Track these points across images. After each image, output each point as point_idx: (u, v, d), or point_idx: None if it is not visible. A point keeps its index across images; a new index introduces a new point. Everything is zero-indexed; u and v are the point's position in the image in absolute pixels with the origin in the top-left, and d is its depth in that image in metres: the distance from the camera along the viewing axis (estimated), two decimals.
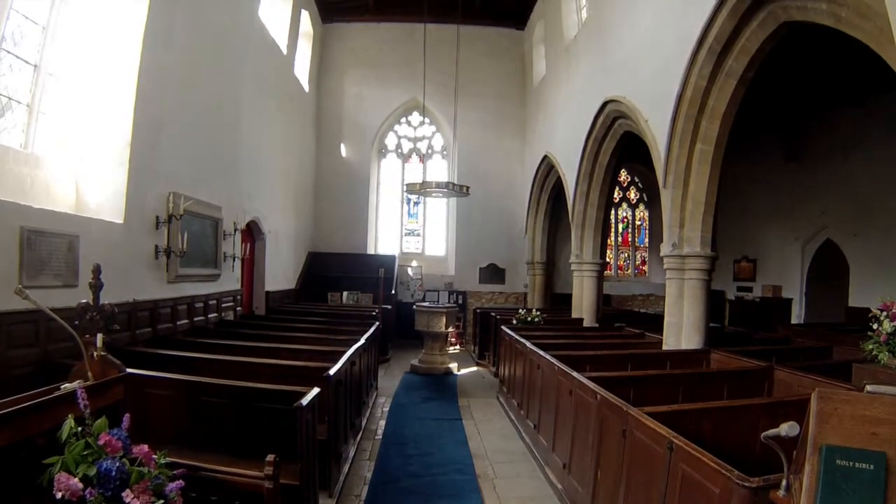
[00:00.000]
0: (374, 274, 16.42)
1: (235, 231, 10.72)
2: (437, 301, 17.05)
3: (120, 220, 6.88)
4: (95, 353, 4.08)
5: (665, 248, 8.56)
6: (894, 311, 4.51)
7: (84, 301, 4.27)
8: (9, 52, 5.80)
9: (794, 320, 15.40)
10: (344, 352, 6.88)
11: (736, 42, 7.23)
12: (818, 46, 8.10)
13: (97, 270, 4.39)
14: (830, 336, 10.57)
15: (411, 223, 20.11)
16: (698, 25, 7.44)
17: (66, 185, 6.68)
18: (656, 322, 9.82)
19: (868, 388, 3.15)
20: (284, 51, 14.16)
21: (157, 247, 7.77)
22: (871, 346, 4.61)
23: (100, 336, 4.15)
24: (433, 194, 15.77)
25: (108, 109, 6.99)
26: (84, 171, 6.86)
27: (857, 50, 5.65)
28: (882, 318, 4.53)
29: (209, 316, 9.55)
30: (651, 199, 20.33)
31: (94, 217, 6.59)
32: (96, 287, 4.38)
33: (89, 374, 3.97)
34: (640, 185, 20.79)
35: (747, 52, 7.20)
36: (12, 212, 5.15)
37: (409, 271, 18.52)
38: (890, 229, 12.53)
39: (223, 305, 10.12)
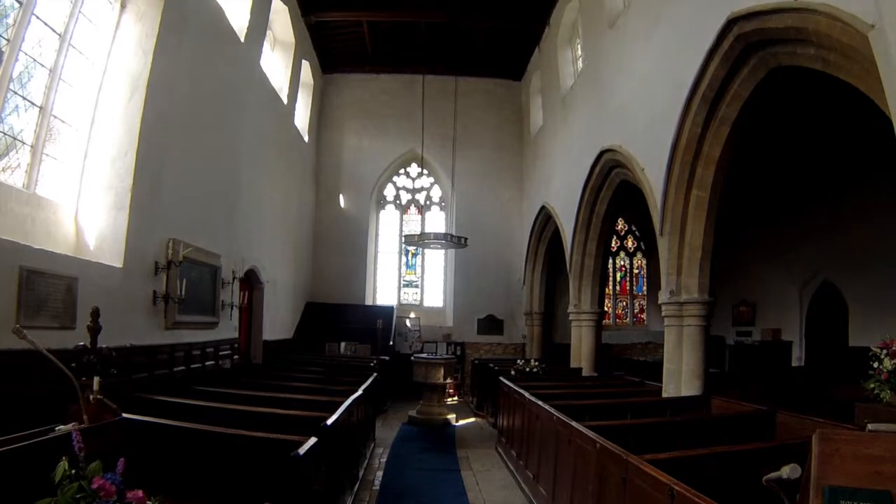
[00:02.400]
0: (372, 325, 16.39)
1: (234, 279, 10.72)
2: (436, 352, 16.99)
3: (119, 265, 6.88)
4: (91, 396, 4.06)
5: (663, 296, 8.58)
6: (894, 348, 4.52)
7: (81, 343, 4.27)
8: (16, 92, 5.90)
9: (794, 363, 15.28)
10: (342, 402, 6.80)
11: (728, 89, 7.40)
12: (809, 92, 8.25)
13: (96, 313, 4.39)
14: (831, 376, 10.49)
15: (409, 274, 20.10)
16: (691, 73, 7.62)
17: (66, 228, 6.71)
18: (656, 370, 9.78)
19: (869, 426, 3.14)
20: (285, 100, 14.38)
21: (155, 292, 7.74)
22: (872, 385, 4.59)
23: (96, 379, 4.14)
24: (431, 246, 15.86)
25: (111, 154, 7.08)
26: (85, 214, 6.91)
27: (847, 93, 5.78)
28: (882, 357, 4.53)
29: (206, 363, 9.47)
30: (649, 247, 20.34)
31: (93, 260, 6.60)
32: (94, 330, 4.38)
33: (85, 416, 3.94)
34: (637, 233, 20.86)
35: (740, 98, 7.36)
36: (12, 251, 5.16)
37: (408, 322, 18.44)
38: (886, 269, 12.53)
39: (221, 353, 10.05)
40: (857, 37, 4.59)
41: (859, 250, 13.39)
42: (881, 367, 4.53)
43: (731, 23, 6.76)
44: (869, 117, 5.97)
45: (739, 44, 6.85)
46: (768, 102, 7.62)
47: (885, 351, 4.56)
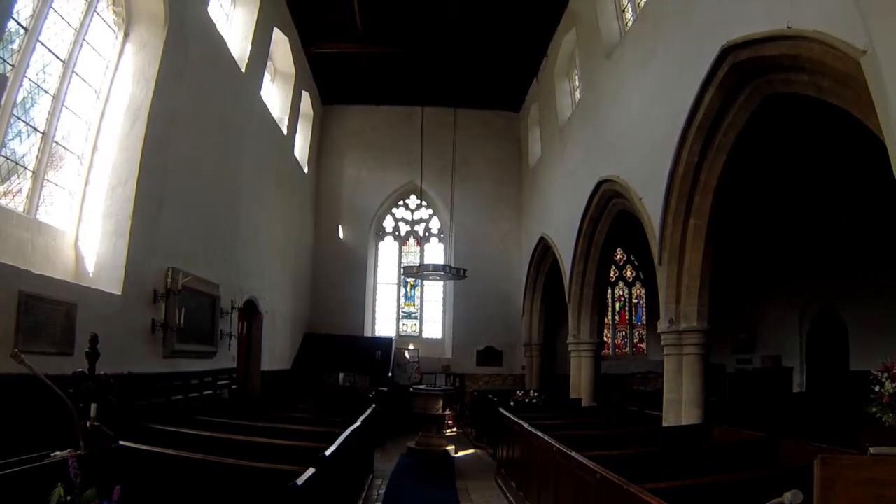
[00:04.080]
0: (370, 356, 16.34)
1: (233, 309, 10.68)
2: (435, 384, 16.84)
3: (118, 292, 6.86)
4: (88, 423, 4.02)
5: (662, 325, 8.57)
6: (895, 371, 4.50)
7: (79, 370, 4.24)
8: (19, 117, 5.95)
9: (795, 389, 15.18)
10: (340, 433, 6.74)
11: (725, 117, 7.48)
12: (805, 118, 8.30)
13: (94, 340, 4.37)
14: (833, 402, 10.43)
15: (408, 306, 20.09)
16: (688, 103, 7.70)
17: (66, 254, 6.72)
18: (656, 399, 9.72)
19: (871, 450, 3.12)
20: (285, 131, 14.48)
21: (153, 321, 7.71)
22: (874, 409, 4.57)
23: (93, 406, 4.11)
24: (430, 277, 15.86)
25: (112, 181, 7.11)
26: (85, 240, 6.92)
27: (842, 119, 5.83)
28: (883, 380, 4.51)
29: (204, 393, 9.39)
30: (647, 276, 20.35)
31: (92, 287, 6.58)
32: (93, 357, 4.35)
33: (81, 443, 3.91)
34: (635, 262, 20.92)
35: (736, 126, 7.44)
36: (12, 275, 5.15)
37: (406, 354, 18.35)
38: (886, 292, 12.48)
39: (219, 383, 9.98)
40: (849, 63, 4.65)
41: (858, 274, 13.35)
42: (882, 390, 4.51)
43: (726, 52, 6.86)
44: (864, 142, 6.02)
45: (734, 73, 6.95)
46: (764, 129, 7.71)
47: (885, 374, 4.55)
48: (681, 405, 8.17)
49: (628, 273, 21.08)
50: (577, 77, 14.39)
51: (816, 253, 14.43)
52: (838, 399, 10.74)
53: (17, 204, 6.07)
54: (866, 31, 4.28)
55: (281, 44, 13.96)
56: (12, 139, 5.89)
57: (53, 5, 6.19)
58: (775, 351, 16.09)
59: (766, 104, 7.07)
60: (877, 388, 4.57)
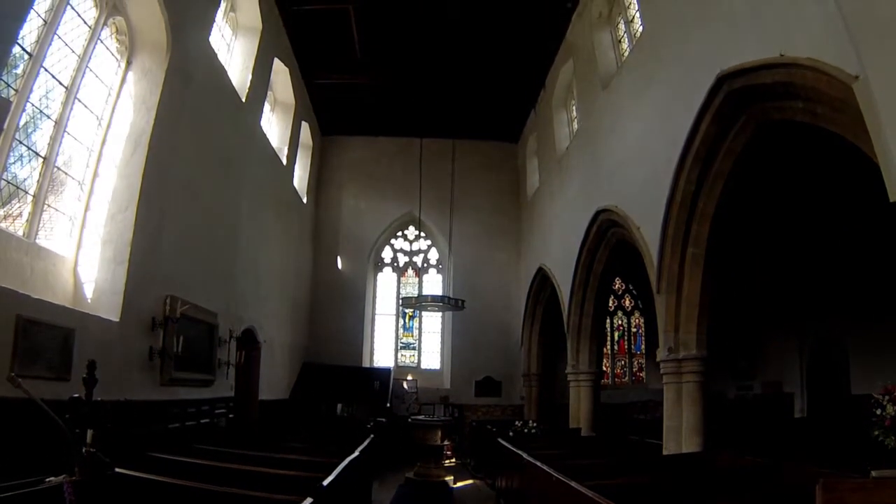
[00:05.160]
0: (369, 387, 16.27)
1: (231, 338, 10.65)
2: (433, 414, 16.75)
3: (116, 318, 6.83)
4: (84, 449, 3.99)
5: (661, 353, 8.54)
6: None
7: (76, 395, 4.21)
8: (21, 142, 5.97)
9: (797, 414, 15.04)
10: (338, 463, 6.69)
11: (721, 145, 7.53)
12: (801, 143, 8.33)
13: (92, 366, 4.35)
14: (835, 426, 10.36)
15: (407, 337, 20.02)
16: (684, 131, 7.74)
17: (65, 279, 6.70)
18: (656, 428, 9.65)
19: (873, 473, 3.10)
20: (284, 161, 14.57)
21: (151, 348, 7.67)
22: (876, 432, 4.53)
23: (90, 432, 4.08)
24: (429, 308, 15.85)
25: (112, 208, 7.13)
26: (84, 266, 6.92)
27: (839, 144, 5.86)
28: (885, 403, 4.49)
29: (201, 421, 9.31)
30: (646, 305, 20.24)
31: (90, 313, 6.55)
32: (90, 382, 4.33)
33: (77, 469, 3.87)
34: (634, 291, 20.83)
35: (732, 153, 7.49)
36: (10, 299, 5.13)
37: (405, 385, 18.25)
38: (886, 315, 12.41)
39: (216, 411, 9.90)
40: (842, 88, 4.70)
41: (857, 298, 13.30)
42: (884, 413, 4.48)
43: (721, 80, 6.93)
44: (860, 166, 6.04)
45: (730, 101, 7.01)
46: (761, 156, 7.75)
47: (886, 397, 4.52)
48: (681, 433, 8.11)
49: (627, 302, 21.02)
50: (574, 107, 14.49)
51: (815, 277, 14.41)
52: (840, 423, 10.67)
53: (18, 228, 6.08)
54: (858, 56, 4.34)
55: (281, 74, 14.11)
56: (14, 163, 5.92)
57: (58, 32, 6.28)
58: (776, 377, 15.98)
59: (761, 131, 7.13)
60: (878, 412, 4.55)
